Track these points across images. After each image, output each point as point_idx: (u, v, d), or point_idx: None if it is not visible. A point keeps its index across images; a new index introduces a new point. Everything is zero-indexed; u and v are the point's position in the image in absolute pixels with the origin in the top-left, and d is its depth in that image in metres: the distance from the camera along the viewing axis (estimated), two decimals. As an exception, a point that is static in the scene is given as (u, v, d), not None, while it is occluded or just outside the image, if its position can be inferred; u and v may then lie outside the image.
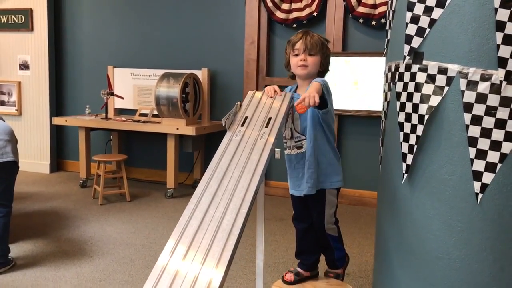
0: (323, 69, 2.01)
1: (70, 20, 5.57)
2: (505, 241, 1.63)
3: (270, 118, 1.73)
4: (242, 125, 1.72)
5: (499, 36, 1.56)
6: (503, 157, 1.60)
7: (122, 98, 5.09)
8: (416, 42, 1.72)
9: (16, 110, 5.65)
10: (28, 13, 5.45)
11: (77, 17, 5.55)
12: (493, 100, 1.58)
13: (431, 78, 1.68)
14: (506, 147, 1.59)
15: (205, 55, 5.02)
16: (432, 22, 1.67)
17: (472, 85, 1.61)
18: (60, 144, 5.79)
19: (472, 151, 1.63)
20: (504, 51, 1.56)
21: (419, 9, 1.70)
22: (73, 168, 5.65)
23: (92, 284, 2.75)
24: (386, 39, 1.97)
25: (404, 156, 1.77)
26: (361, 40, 4.45)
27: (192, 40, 5.07)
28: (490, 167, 1.61)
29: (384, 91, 1.99)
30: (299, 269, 2.11)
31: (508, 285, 1.65)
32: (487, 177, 1.62)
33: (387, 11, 1.97)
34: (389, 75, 1.91)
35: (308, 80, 1.95)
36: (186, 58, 5.09)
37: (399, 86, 1.80)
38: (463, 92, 1.62)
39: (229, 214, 1.30)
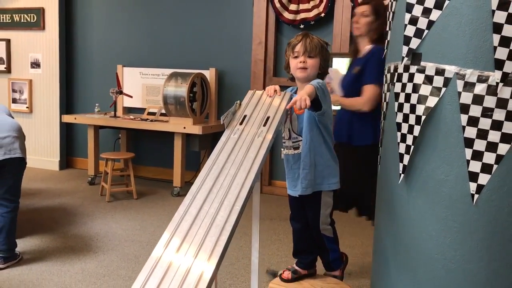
0: (322, 71, 2.03)
1: (81, 19, 5.65)
2: (500, 242, 1.64)
3: (268, 117, 1.76)
4: (241, 123, 1.74)
5: (496, 38, 1.56)
6: (499, 158, 1.61)
7: (131, 96, 5.14)
8: (415, 43, 1.73)
9: (27, 107, 5.74)
10: (40, 12, 5.54)
11: (88, 17, 5.62)
12: (490, 101, 1.59)
13: (428, 79, 1.69)
14: (502, 148, 1.60)
15: (213, 55, 5.06)
16: (430, 23, 1.69)
17: (469, 86, 1.62)
18: (70, 141, 5.87)
19: (468, 152, 1.64)
20: (501, 53, 1.56)
21: (417, 10, 1.71)
22: (82, 165, 5.72)
23: (96, 279, 2.80)
24: (386, 40, 1.99)
25: (401, 157, 1.78)
26: (368, 41, 4.44)
27: (201, 40, 5.11)
28: (486, 168, 1.62)
29: (383, 92, 2.01)
30: (296, 267, 2.13)
31: (503, 286, 1.65)
32: (483, 178, 1.63)
33: (388, 13, 1.98)
34: (388, 76, 1.92)
35: (307, 82, 1.97)
36: (194, 58, 5.13)
37: (398, 87, 1.82)
38: (460, 93, 1.63)
39: (223, 210, 1.33)
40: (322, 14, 4.48)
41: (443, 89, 1.66)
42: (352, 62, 2.76)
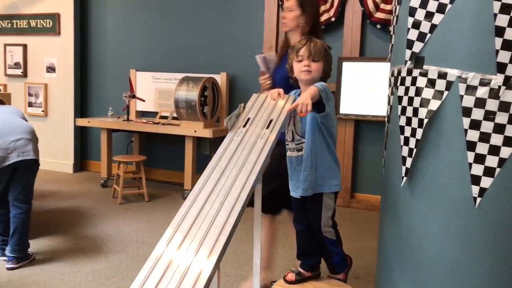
0: (325, 74, 2.04)
1: (95, 25, 5.75)
2: (503, 245, 1.63)
3: (271, 120, 1.78)
4: (244, 126, 1.77)
5: (498, 42, 1.57)
6: (501, 161, 1.61)
7: (144, 100, 5.21)
8: (417, 47, 1.74)
9: (42, 111, 5.85)
10: (55, 17, 5.65)
11: (102, 22, 5.72)
12: (492, 104, 1.59)
13: (431, 83, 1.70)
14: (505, 151, 1.60)
15: (224, 60, 5.10)
16: (433, 27, 1.69)
17: (471, 89, 1.62)
18: (84, 145, 5.96)
19: (470, 155, 1.64)
20: (503, 56, 1.57)
21: (420, 14, 1.72)
22: (96, 168, 5.80)
23: (106, 280, 2.84)
24: (390, 44, 2.00)
25: (404, 159, 1.79)
26: (378, 45, 4.45)
27: (212, 45, 5.17)
28: (489, 172, 1.62)
29: (388, 95, 2.01)
30: (300, 269, 2.13)
31: (506, 290, 1.65)
32: (486, 182, 1.62)
33: (392, 17, 1.99)
34: (392, 79, 1.93)
35: (311, 85, 1.98)
36: (206, 62, 5.18)
37: (401, 91, 1.83)
38: (462, 96, 1.63)
39: (223, 211, 1.35)
40: (333, 19, 4.49)
41: (445, 93, 1.67)
42: (283, 55, 2.63)
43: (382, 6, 4.31)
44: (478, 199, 1.64)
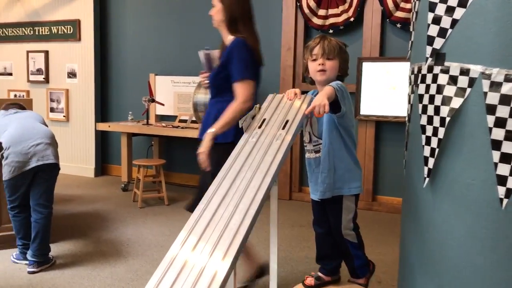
0: (342, 73, 1.99)
1: (115, 30, 5.80)
2: (532, 249, 1.56)
3: (287, 121, 1.74)
4: (260, 127, 1.73)
5: (524, 35, 1.50)
6: (529, 161, 1.53)
7: (163, 104, 5.23)
8: (438, 43, 1.68)
9: (64, 116, 5.92)
10: (76, 24, 5.72)
11: (121, 28, 5.77)
12: (518, 101, 1.52)
13: (453, 80, 1.64)
14: (533, 150, 1.53)
15: (243, 62, 5.07)
16: (454, 22, 1.63)
17: (495, 86, 1.55)
18: (105, 149, 6.02)
19: (496, 155, 1.57)
20: (529, 51, 1.50)
21: (440, 9, 1.66)
22: (116, 172, 5.84)
23: (125, 284, 2.84)
24: (410, 41, 1.94)
25: (425, 160, 1.73)
26: (399, 45, 4.37)
27: (230, 48, 5.14)
28: (516, 172, 1.55)
29: (408, 94, 1.95)
30: (320, 274, 2.09)
31: (535, 296, 1.57)
32: (513, 182, 1.55)
33: (411, 13, 1.93)
34: (412, 77, 1.87)
35: (327, 85, 1.93)
36: (224, 65, 5.16)
37: (422, 88, 1.77)
38: (486, 93, 1.56)
39: (237, 214, 1.32)
40: (352, 19, 4.43)
41: (468, 90, 1.60)
42: (221, 54, 2.59)
43: (402, 5, 4.23)
44: (505, 201, 1.56)
